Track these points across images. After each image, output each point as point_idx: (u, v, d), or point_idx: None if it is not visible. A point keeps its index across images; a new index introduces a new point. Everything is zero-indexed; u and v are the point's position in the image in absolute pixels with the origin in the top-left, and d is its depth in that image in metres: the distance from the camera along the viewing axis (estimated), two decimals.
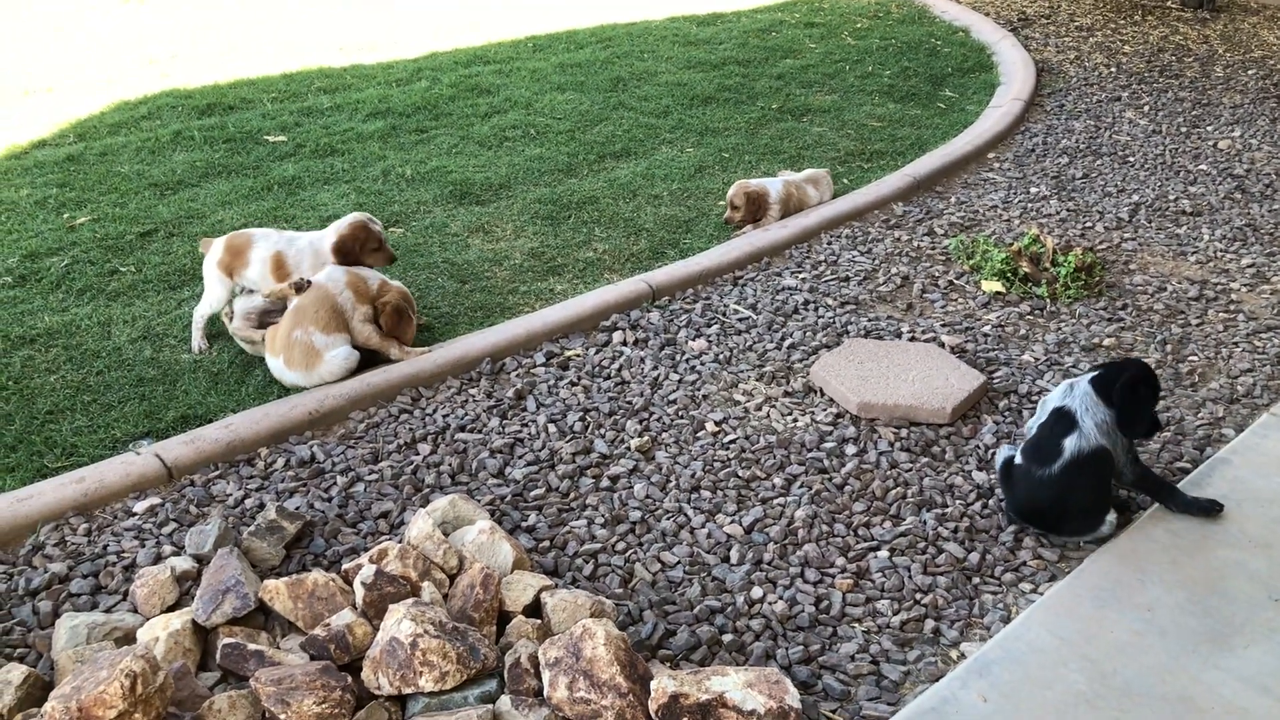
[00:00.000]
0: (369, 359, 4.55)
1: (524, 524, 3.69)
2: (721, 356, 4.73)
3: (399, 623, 2.92)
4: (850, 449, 4.09)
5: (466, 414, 4.30)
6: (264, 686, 2.82)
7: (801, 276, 5.51)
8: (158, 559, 3.49)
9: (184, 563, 3.43)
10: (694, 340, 4.86)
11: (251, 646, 3.00)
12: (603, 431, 4.21)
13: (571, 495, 3.86)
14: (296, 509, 3.73)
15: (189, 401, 4.35)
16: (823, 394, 4.45)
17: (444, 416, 4.28)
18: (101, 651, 2.99)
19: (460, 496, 3.64)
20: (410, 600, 3.03)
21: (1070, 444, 3.43)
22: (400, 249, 5.64)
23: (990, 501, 3.83)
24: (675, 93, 8.34)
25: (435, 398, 4.41)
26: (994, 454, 3.99)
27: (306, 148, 7.05)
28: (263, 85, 8.37)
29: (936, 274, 5.54)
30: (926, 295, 5.33)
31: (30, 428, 4.17)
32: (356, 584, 3.18)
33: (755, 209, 6.01)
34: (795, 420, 4.29)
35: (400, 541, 3.49)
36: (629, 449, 4.11)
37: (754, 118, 7.88)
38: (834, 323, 5.03)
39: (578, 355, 4.74)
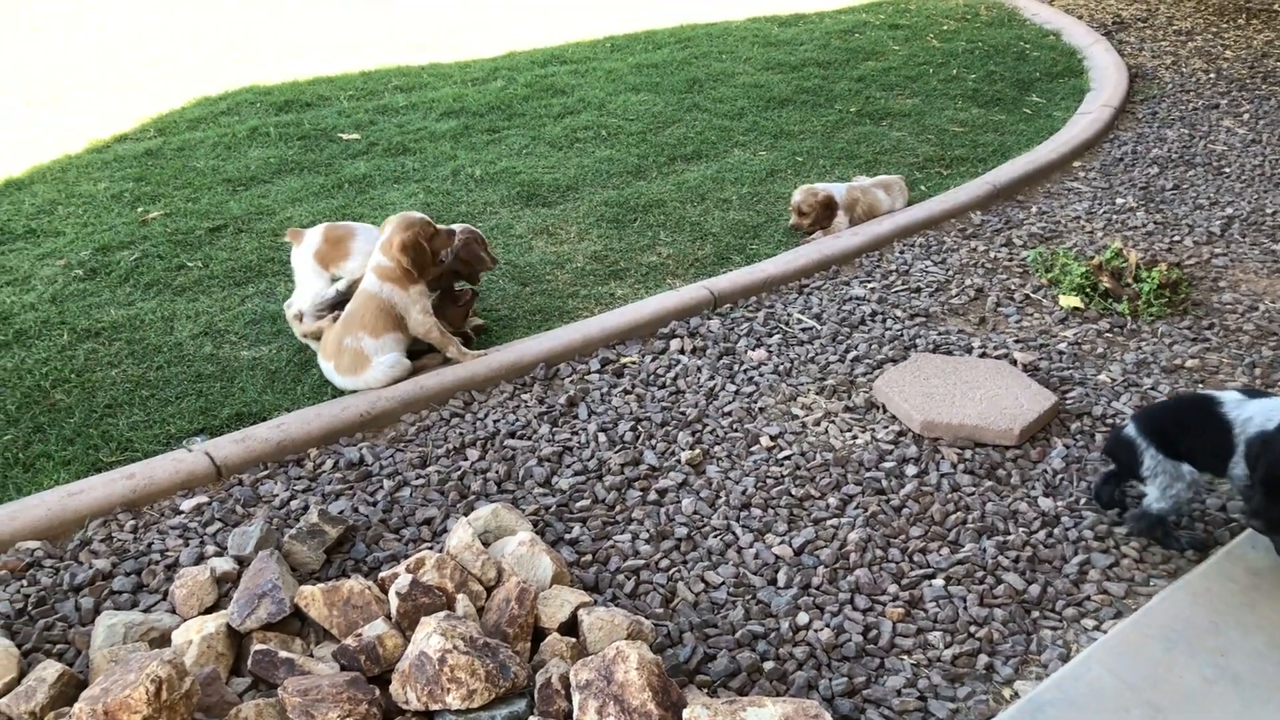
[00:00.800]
0: (419, 350, 4.50)
1: (567, 536, 3.61)
2: (781, 368, 4.60)
3: (428, 637, 2.85)
4: (910, 470, 3.93)
5: (517, 420, 4.23)
6: (290, 696, 2.78)
7: (870, 286, 5.34)
8: (200, 559, 3.47)
9: (225, 564, 3.41)
10: (753, 350, 4.73)
11: (282, 654, 2.96)
12: (654, 442, 4.11)
13: (617, 508, 3.77)
14: (340, 513, 3.69)
15: (245, 399, 4.35)
16: (885, 411, 4.30)
17: (494, 422, 4.22)
18: (135, 653, 2.97)
19: (504, 505, 3.57)
20: (443, 613, 2.96)
21: None
22: None
23: (1056, 530, 3.64)
24: (751, 94, 8.19)
25: (487, 402, 4.35)
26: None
27: (379, 146, 7.06)
28: (341, 83, 8.43)
29: (1012, 287, 5.33)
30: (1001, 309, 5.13)
31: (89, 421, 4.20)
32: (391, 594, 3.12)
33: (825, 214, 5.85)
34: (855, 437, 4.14)
35: (440, 550, 3.43)
36: (679, 461, 4.00)
37: (831, 121, 7.70)
38: (902, 335, 4.86)
39: (633, 363, 4.64)
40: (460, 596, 3.13)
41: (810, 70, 8.89)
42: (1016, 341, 4.82)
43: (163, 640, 3.14)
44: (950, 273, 5.50)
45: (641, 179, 6.66)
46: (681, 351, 4.73)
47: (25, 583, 3.37)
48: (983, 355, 4.68)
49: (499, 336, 4.87)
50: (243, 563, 3.45)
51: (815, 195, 5.87)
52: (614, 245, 5.75)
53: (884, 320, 5.02)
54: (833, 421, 4.25)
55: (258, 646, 3.00)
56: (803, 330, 4.92)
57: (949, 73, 8.85)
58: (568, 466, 3.98)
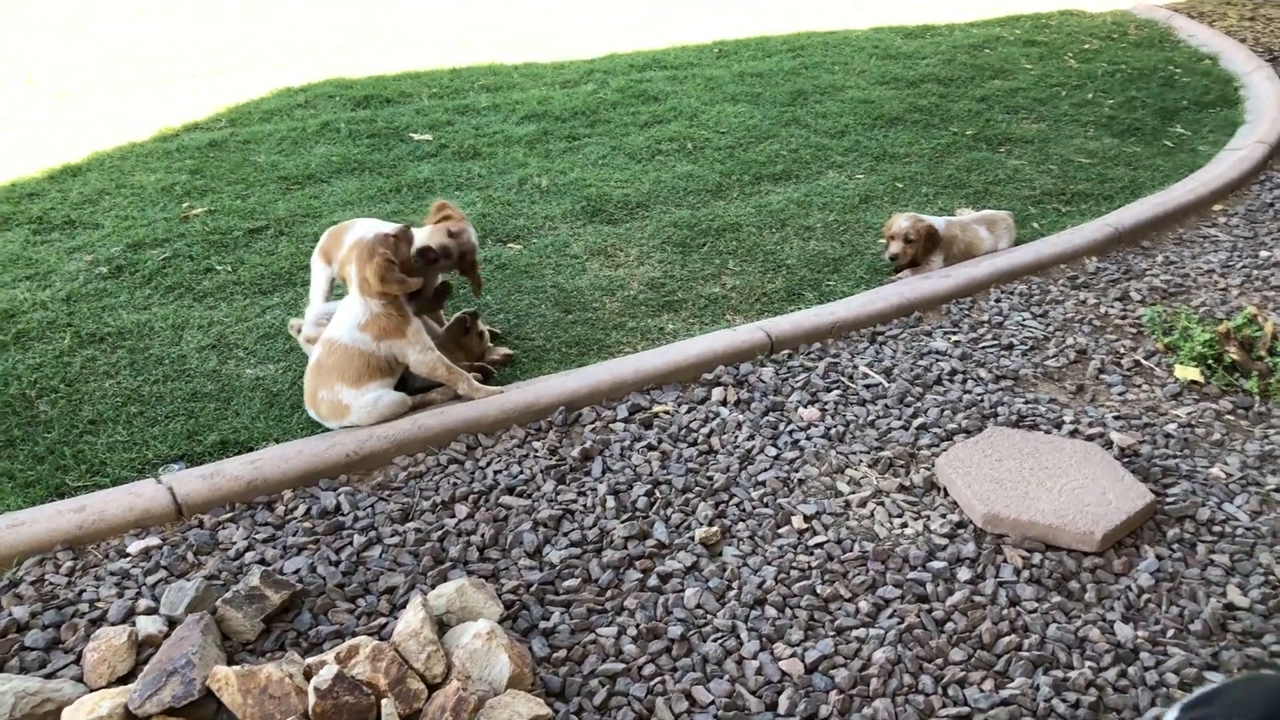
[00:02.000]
0: (429, 384, 4.04)
1: (543, 624, 3.09)
2: (834, 431, 4.00)
3: None
4: (963, 573, 3.29)
5: (521, 472, 3.74)
6: None
7: (955, 339, 4.68)
8: (129, 616, 3.08)
9: (152, 625, 3.01)
10: (805, 407, 4.13)
11: None
12: (669, 513, 3.56)
13: (610, 592, 3.24)
14: (296, 572, 3.26)
15: (236, 424, 3.97)
16: (946, 495, 3.66)
17: (495, 473, 3.74)
18: None
19: (472, 583, 3.08)
20: None
21: None
22: (510, 268, 5.15)
23: (1131, 668, 2.97)
24: (858, 110, 7.54)
25: (493, 448, 3.87)
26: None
27: (450, 148, 6.67)
28: (427, 79, 8.09)
29: (1121, 350, 4.60)
30: (1104, 376, 4.42)
31: (67, 438, 3.88)
32: (310, 687, 2.65)
33: (928, 246, 5.21)
34: (904, 525, 3.52)
35: (383, 635, 2.96)
36: (693, 539, 3.44)
37: (942, 144, 7.00)
38: (981, 401, 4.20)
39: (667, 412, 4.10)
40: (385, 700, 2.64)
41: (928, 87, 8.18)
42: (1117, 418, 4.11)
43: (55, 717, 2.73)
44: (1050, 329, 4.79)
45: (720, 199, 6.10)
46: (723, 403, 4.17)
47: None
48: (1073, 433, 3.99)
49: (526, 371, 4.39)
50: (173, 624, 3.04)
51: (920, 222, 5.22)
52: (675, 272, 5.22)
53: (964, 381, 4.36)
54: (882, 503, 3.63)
55: None
56: (867, 387, 4.30)
57: (1083, 96, 8.03)
58: (564, 535, 3.47)
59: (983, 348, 4.63)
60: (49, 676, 2.90)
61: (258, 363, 4.38)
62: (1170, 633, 3.09)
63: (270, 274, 5.07)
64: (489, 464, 3.81)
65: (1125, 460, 3.83)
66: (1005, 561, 3.36)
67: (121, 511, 3.42)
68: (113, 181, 6.01)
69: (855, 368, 4.44)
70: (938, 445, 3.93)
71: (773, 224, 5.79)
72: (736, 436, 3.98)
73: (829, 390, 4.28)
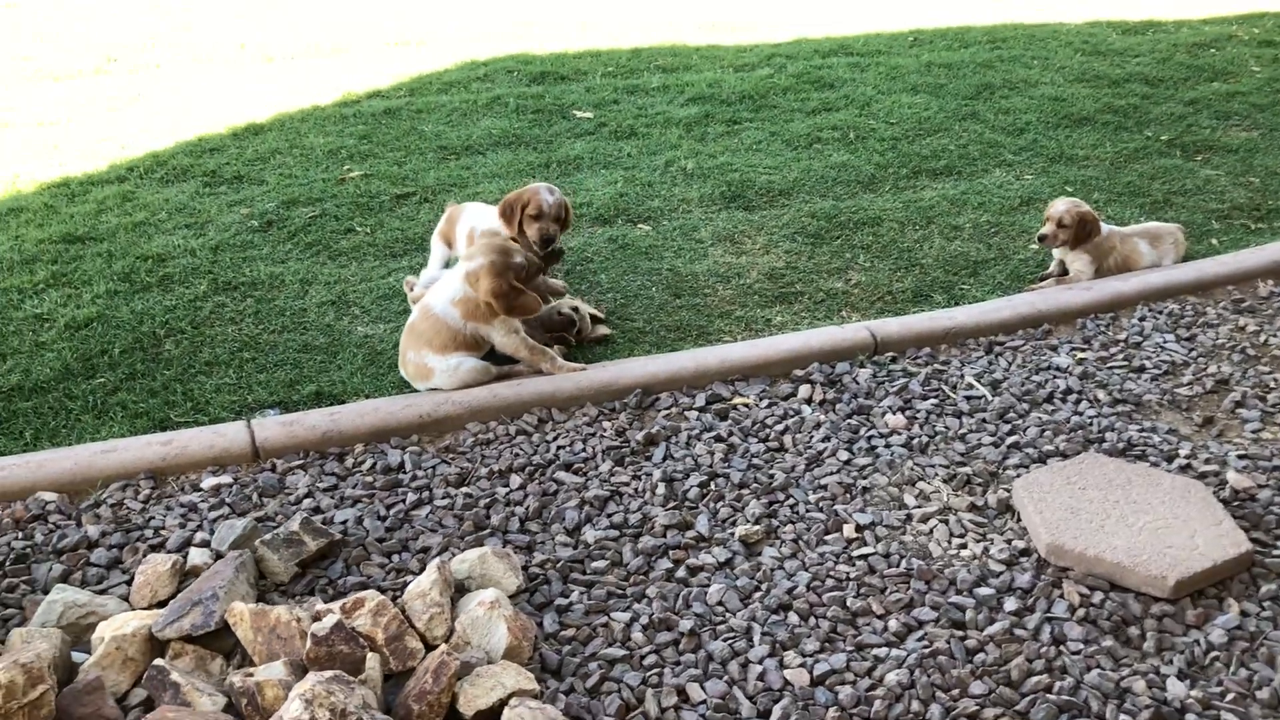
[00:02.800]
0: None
1: (560, 600, 3.11)
2: (918, 441, 3.82)
3: (292, 701, 2.47)
4: (1010, 604, 3.08)
5: (582, 450, 3.76)
6: None
7: (1081, 356, 4.37)
8: (186, 545, 3.29)
9: (200, 557, 3.21)
10: (894, 414, 3.96)
11: (173, 676, 2.69)
12: (717, 506, 3.50)
13: (635, 578, 3.21)
14: (343, 522, 3.39)
15: (335, 378, 4.17)
16: (1018, 520, 3.43)
17: (558, 448, 3.77)
18: (33, 640, 2.80)
19: (495, 552, 3.13)
20: (330, 674, 2.56)
21: None
22: (632, 249, 5.17)
23: None
24: (1045, 108, 7.13)
25: (564, 424, 3.90)
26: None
27: (608, 127, 6.74)
28: (607, 57, 8.19)
29: (1272, 384, 4.18)
30: (1241, 410, 4.02)
31: (181, 376, 4.17)
32: (309, 632, 2.76)
33: (1081, 234, 4.88)
34: (963, 547, 3.33)
35: (402, 592, 3.05)
36: (732, 535, 3.37)
37: (1130, 149, 6.53)
38: (1090, 425, 3.91)
39: (746, 405, 4.02)
40: (376, 655, 2.72)
41: (1132, 87, 7.63)
42: (1241, 457, 3.74)
43: (95, 629, 2.95)
44: (1194, 354, 4.40)
45: (869, 191, 5.90)
46: (808, 401, 4.05)
47: (20, 535, 3.31)
48: (1184, 469, 3.66)
49: (620, 350, 4.41)
50: (219, 558, 3.22)
51: (1079, 208, 4.90)
52: (800, 263, 5.09)
53: (1077, 402, 4.07)
54: (946, 521, 3.44)
55: (158, 661, 2.74)
56: (968, 398, 4.07)
57: None
58: (607, 515, 3.47)
59: (1109, 368, 4.30)
60: (102, 592, 3.12)
61: (370, 321, 4.56)
62: (1230, 697, 2.80)
63: (404, 239, 5.27)
64: (555, 439, 3.84)
65: (1234, 505, 3.48)
66: (1061, 597, 3.12)
67: (204, 448, 3.65)
68: (287, 141, 6.38)
69: (961, 377, 4.21)
70: (1026, 467, 3.69)
71: (918, 220, 5.55)
72: (811, 437, 3.86)
73: (925, 399, 4.08)
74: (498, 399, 3.93)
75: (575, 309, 4.39)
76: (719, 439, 3.84)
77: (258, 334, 4.44)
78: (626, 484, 3.61)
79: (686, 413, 4.00)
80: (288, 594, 3.13)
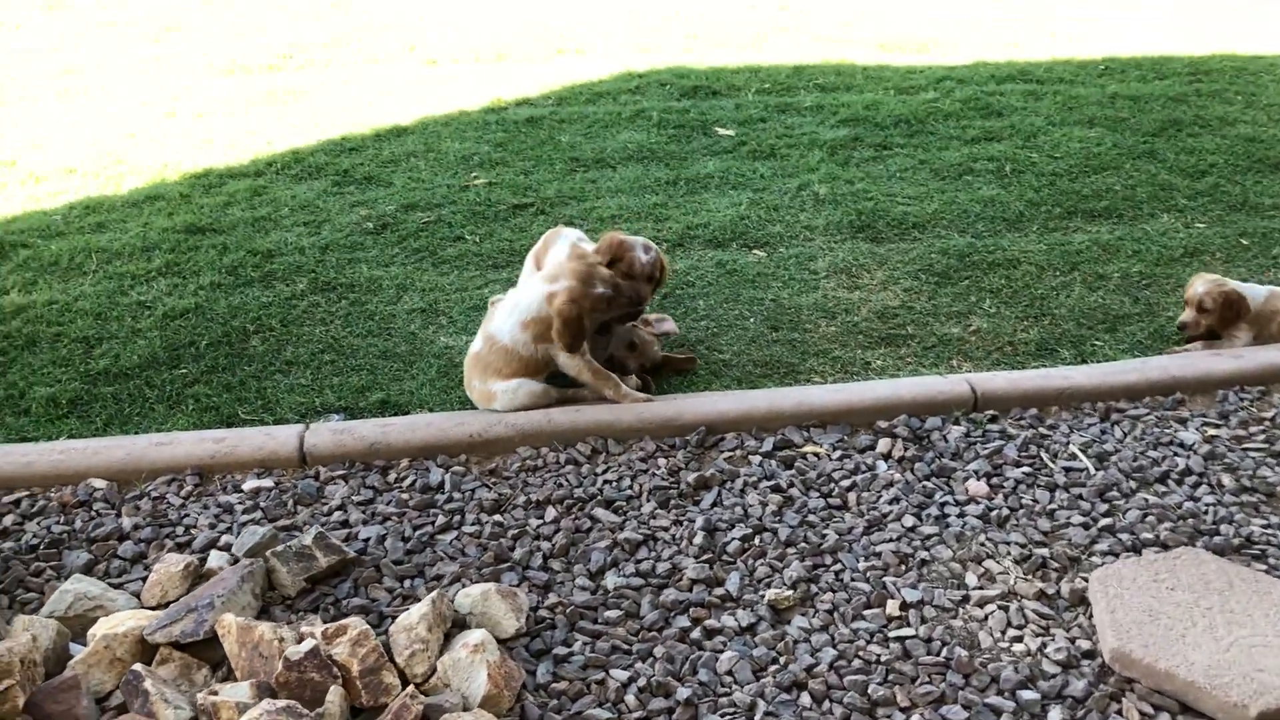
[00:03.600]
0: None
1: (560, 649, 2.93)
2: (998, 514, 3.45)
3: None
4: (1055, 714, 2.71)
5: (629, 487, 3.57)
6: None
7: (1212, 433, 3.87)
8: (211, 546, 3.29)
9: (218, 560, 3.20)
10: (977, 480, 3.60)
11: (145, 684, 2.66)
12: (755, 564, 3.25)
13: (646, 633, 3.00)
14: (365, 540, 3.31)
15: (405, 387, 4.14)
16: (1090, 616, 3.03)
17: (603, 482, 3.60)
18: (29, 630, 2.83)
19: (500, 590, 2.99)
20: (283, 704, 2.47)
21: None
22: (738, 275, 4.95)
23: None
24: (1236, 149, 6.47)
25: (618, 457, 3.73)
26: None
27: (747, 146, 6.52)
28: (766, 74, 7.96)
29: None
30: None
31: (260, 373, 4.22)
32: (283, 655, 2.68)
33: (1227, 317, 4.37)
34: (1018, 640, 2.96)
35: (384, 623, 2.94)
36: (762, 599, 3.11)
37: None
38: (1205, 514, 3.45)
39: (815, 455, 3.74)
40: (334, 690, 2.61)
41: None
42: None
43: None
44: None
45: (1014, 230, 5.47)
46: (885, 456, 3.73)
47: (62, 520, 3.38)
48: None
49: (698, 383, 4.19)
50: (236, 564, 3.20)
51: (1222, 288, 4.40)
52: (917, 304, 4.75)
53: (1196, 486, 3.60)
54: (1007, 608, 3.08)
55: (136, 667, 2.71)
56: (1066, 470, 3.67)
57: None
58: (636, 561, 3.27)
59: (1244, 449, 3.79)
60: (119, 586, 3.14)
61: (454, 332, 4.51)
62: None
63: (511, 250, 5.20)
64: (604, 472, 3.66)
65: None
66: (1119, 714, 2.72)
67: (252, 450, 3.65)
68: (424, 145, 6.44)
69: (1065, 445, 3.79)
70: (1115, 555, 3.27)
71: (1060, 265, 5.10)
72: (879, 496, 3.54)
73: (1018, 465, 3.69)
74: (552, 425, 3.78)
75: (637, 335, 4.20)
76: (777, 489, 3.57)
77: (342, 336, 4.44)
78: (665, 529, 3.40)
79: (750, 456, 3.74)
80: (292, 608, 3.07)
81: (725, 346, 4.42)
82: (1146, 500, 3.52)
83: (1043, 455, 3.75)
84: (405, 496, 3.52)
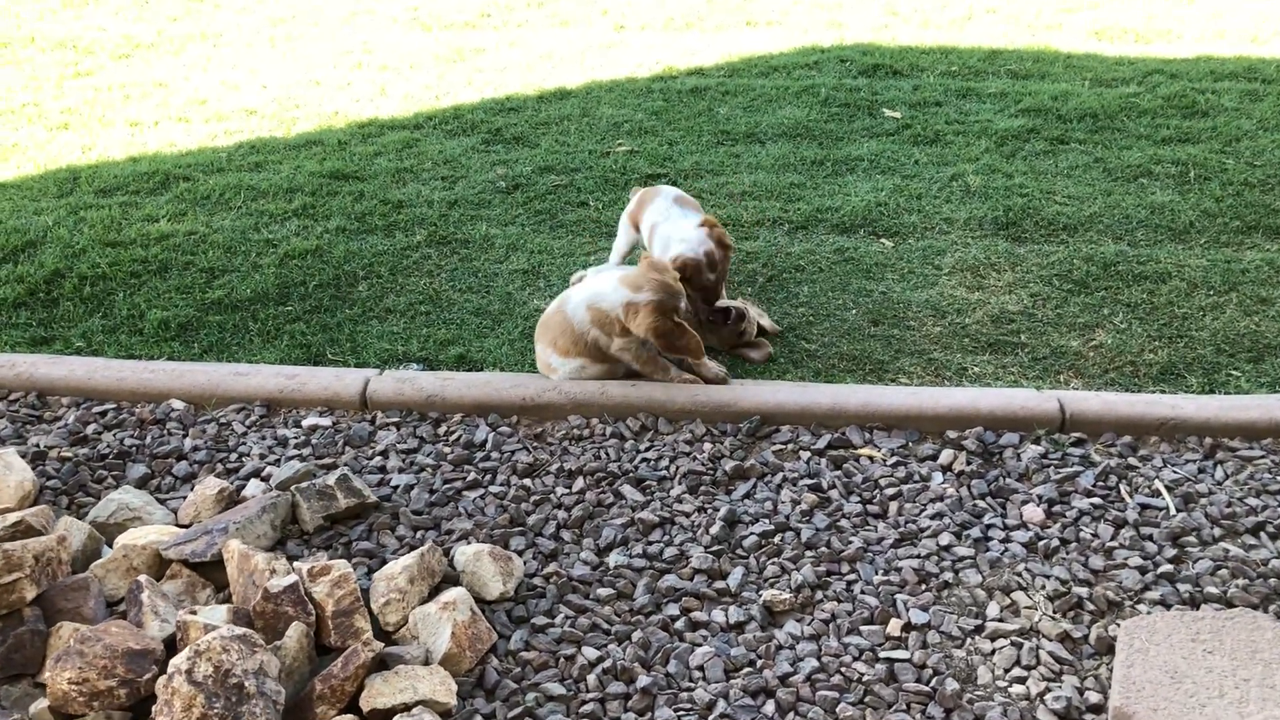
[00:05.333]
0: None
1: (540, 619, 2.94)
2: (1046, 544, 3.20)
3: (187, 647, 2.54)
4: None
5: (666, 469, 3.53)
6: (75, 630, 2.67)
7: None
8: (255, 474, 3.47)
9: (255, 489, 3.38)
10: (1036, 505, 3.35)
11: (143, 594, 2.86)
12: (766, 561, 3.14)
13: (631, 616, 2.97)
14: (395, 487, 3.42)
15: (485, 345, 4.23)
16: (1109, 665, 2.78)
17: (641, 459, 3.56)
18: (70, 530, 3.07)
19: (494, 552, 3.03)
20: (240, 632, 2.60)
21: None
22: (854, 264, 4.78)
23: None
24: None
25: (666, 436, 3.69)
26: None
27: (911, 130, 6.25)
28: (958, 56, 7.60)
29: None
30: None
31: (359, 317, 4.41)
32: (264, 585, 2.82)
33: None
34: (1020, 682, 2.75)
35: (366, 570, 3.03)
36: (758, 597, 3.01)
37: None
38: None
39: (869, 458, 3.57)
40: (295, 625, 2.71)
41: None
42: None
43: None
44: None
45: (1178, 241, 5.02)
46: (945, 469, 3.53)
47: (135, 434, 3.66)
48: None
49: (775, 370, 4.08)
50: (286, 485, 3.37)
51: None
52: (1041, 311, 4.45)
53: None
54: (1021, 645, 2.86)
55: (141, 577, 2.92)
56: (1142, 507, 3.36)
57: None
58: (647, 542, 3.23)
59: None
60: (163, 502, 3.37)
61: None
62: None
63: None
64: (647, 449, 3.63)
65: None
66: None
67: (319, 389, 3.82)
68: (581, 109, 6.50)
69: (1150, 480, 3.47)
70: (1166, 606, 2.97)
71: (1217, 284, 4.64)
72: (922, 510, 3.35)
73: (1089, 495, 3.40)
74: (605, 396, 3.77)
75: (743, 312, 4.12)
76: (816, 488, 3.43)
77: (443, 290, 4.56)
78: (687, 514, 3.33)
79: (801, 452, 3.61)
80: (308, 544, 3.21)
81: (816, 336, 4.26)
82: (1226, 551, 3.17)
83: (1121, 488, 3.43)
84: (447, 450, 3.59)
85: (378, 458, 3.56)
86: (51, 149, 5.95)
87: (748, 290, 4.61)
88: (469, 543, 3.18)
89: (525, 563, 3.12)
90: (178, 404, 3.80)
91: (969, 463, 3.53)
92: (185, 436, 3.65)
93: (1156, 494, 3.40)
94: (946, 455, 3.57)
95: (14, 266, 4.63)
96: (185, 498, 3.35)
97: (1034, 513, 3.31)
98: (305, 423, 3.73)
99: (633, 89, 6.86)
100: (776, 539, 3.22)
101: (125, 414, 3.77)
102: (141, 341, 4.17)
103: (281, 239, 4.90)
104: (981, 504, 3.36)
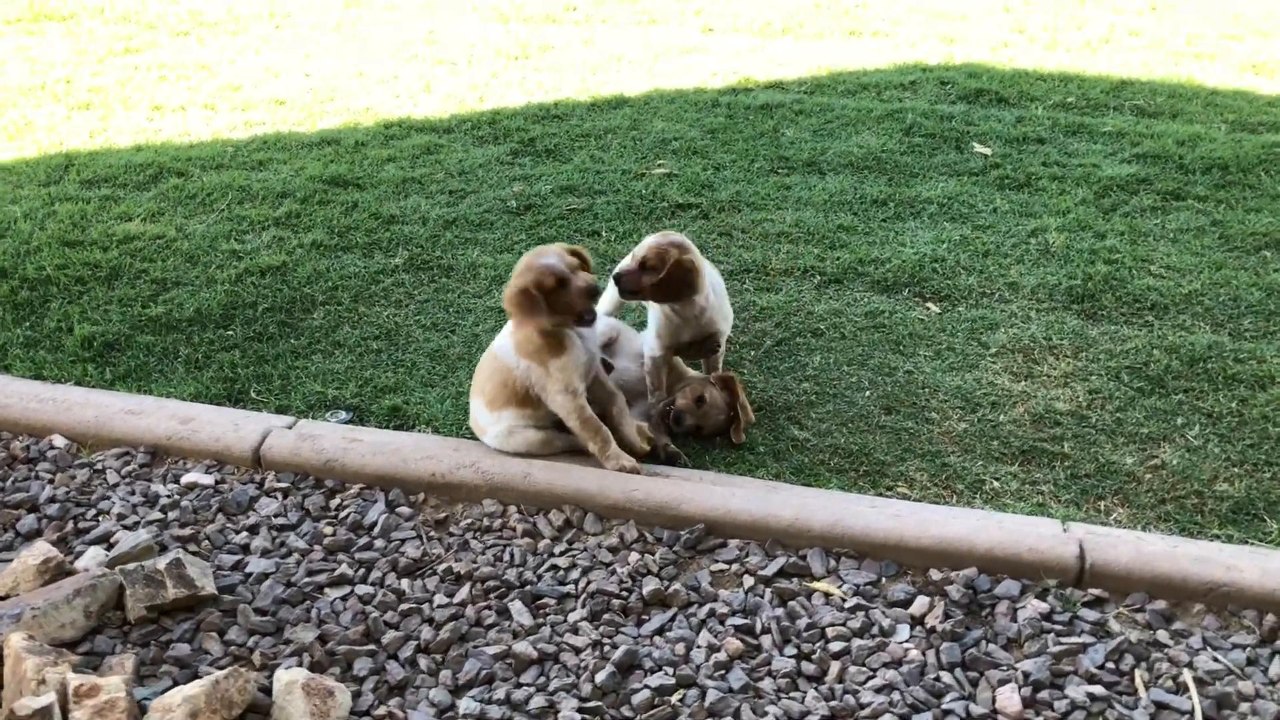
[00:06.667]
0: None
1: None
2: None
3: None
4: None
5: (570, 584, 2.94)
6: None
7: None
8: (105, 539, 3.04)
9: (93, 559, 2.92)
10: (1015, 690, 2.62)
11: None
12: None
13: None
14: (248, 574, 2.92)
15: (426, 397, 3.73)
16: None
17: (549, 569, 2.97)
18: None
19: (312, 685, 2.52)
20: None
21: None
22: (886, 332, 4.09)
23: None
24: None
25: (589, 538, 3.10)
26: None
27: (999, 171, 5.46)
28: (1079, 84, 6.75)
29: None
30: None
31: (301, 350, 3.98)
32: (12, 709, 2.35)
33: None
34: None
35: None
36: None
37: None
38: None
39: (826, 596, 2.90)
40: None
41: None
42: None
43: None
44: None
45: None
46: (914, 622, 2.83)
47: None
48: None
49: (738, 460, 3.41)
50: (111, 565, 2.91)
51: None
52: (1094, 411, 3.67)
53: None
54: None
55: None
56: (1157, 706, 2.59)
57: None
58: (516, 684, 2.64)
59: None
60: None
61: None
62: None
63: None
64: (561, 555, 3.03)
65: None
66: None
67: (211, 439, 3.36)
68: (631, 121, 5.92)
69: (1178, 670, 2.68)
70: None
71: None
72: (869, 678, 2.66)
73: (1091, 681, 2.65)
74: (528, 482, 3.19)
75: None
76: (745, 631, 2.78)
77: (405, 324, 4.08)
78: (577, 650, 2.73)
79: (744, 578, 2.96)
80: (126, 637, 2.73)
81: (812, 422, 3.58)
82: None
83: (1136, 674, 2.66)
84: (328, 530, 3.09)
85: (245, 533, 3.06)
86: (62, 130, 5.68)
87: (750, 353, 3.94)
88: (301, 662, 2.63)
89: (362, 696, 2.56)
90: (59, 441, 3.39)
91: (946, 616, 2.81)
92: (50, 483, 3.22)
93: (1182, 689, 2.62)
94: (921, 604, 2.86)
95: None
96: (8, 562, 2.90)
97: (1010, 700, 2.58)
98: (185, 479, 3.26)
99: (696, 101, 6.22)
100: (675, 698, 2.58)
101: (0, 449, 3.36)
102: (58, 360, 3.78)
103: (249, 251, 4.47)
104: (947, 678, 2.64)
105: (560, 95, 6.24)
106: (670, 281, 3.22)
